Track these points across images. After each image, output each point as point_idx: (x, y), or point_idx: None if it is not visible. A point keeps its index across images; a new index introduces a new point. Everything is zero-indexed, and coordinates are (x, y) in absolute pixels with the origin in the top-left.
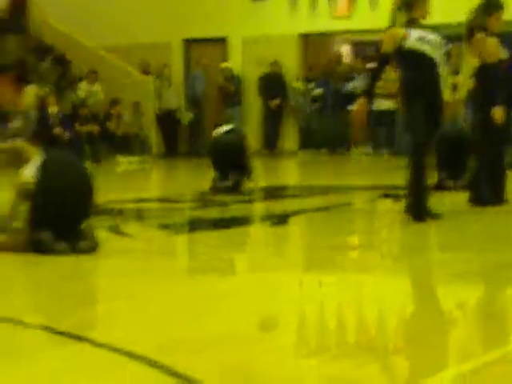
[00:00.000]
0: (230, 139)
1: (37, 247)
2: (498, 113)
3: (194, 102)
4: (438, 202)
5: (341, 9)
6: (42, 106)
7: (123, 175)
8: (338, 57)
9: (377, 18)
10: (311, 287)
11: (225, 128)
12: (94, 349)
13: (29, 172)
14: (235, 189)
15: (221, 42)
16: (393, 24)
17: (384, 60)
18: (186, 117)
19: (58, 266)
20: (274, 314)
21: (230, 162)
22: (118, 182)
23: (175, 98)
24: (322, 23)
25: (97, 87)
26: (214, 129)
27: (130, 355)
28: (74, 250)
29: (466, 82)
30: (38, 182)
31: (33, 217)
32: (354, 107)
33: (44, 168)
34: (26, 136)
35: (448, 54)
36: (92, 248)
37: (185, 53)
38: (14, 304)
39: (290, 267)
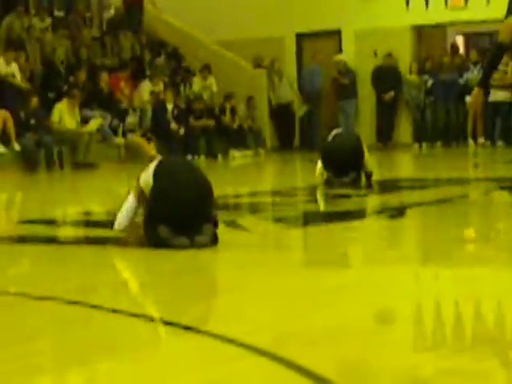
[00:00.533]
0: (343, 143)
1: (156, 242)
2: None
3: (308, 96)
4: None
5: (455, 0)
6: (157, 101)
7: (238, 169)
8: (453, 48)
9: (492, 8)
10: (427, 281)
11: (335, 132)
12: (213, 341)
13: (146, 176)
14: (354, 184)
15: (334, 35)
16: (510, 13)
17: (499, 50)
18: (301, 109)
19: (177, 259)
20: (389, 307)
21: (346, 166)
22: (232, 175)
23: (289, 92)
24: (436, 14)
25: (210, 81)
26: (328, 131)
27: (247, 347)
28: (193, 244)
29: None
30: (152, 188)
31: (149, 219)
32: (469, 99)
33: (159, 174)
34: (141, 131)
35: None
36: (210, 243)
37: (298, 47)
38: (136, 298)
39: (405, 260)
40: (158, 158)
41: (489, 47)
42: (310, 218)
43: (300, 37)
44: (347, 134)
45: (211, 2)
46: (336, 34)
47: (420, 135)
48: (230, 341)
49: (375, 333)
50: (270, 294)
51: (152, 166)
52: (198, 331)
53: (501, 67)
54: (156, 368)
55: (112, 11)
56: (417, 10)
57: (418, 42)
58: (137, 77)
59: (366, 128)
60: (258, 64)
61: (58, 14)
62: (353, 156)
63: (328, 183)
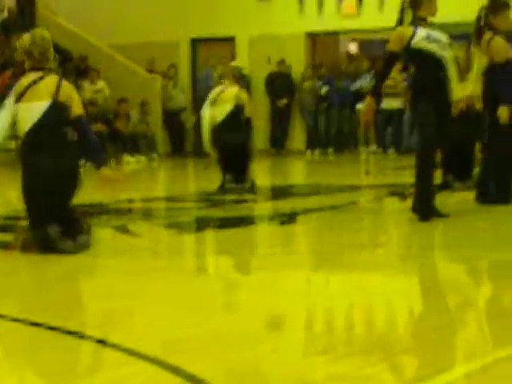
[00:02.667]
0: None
1: (43, 244)
2: (504, 112)
3: (201, 101)
4: (445, 201)
5: (348, 7)
6: None
7: (131, 175)
8: (346, 56)
9: (384, 16)
10: (319, 286)
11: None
12: (98, 347)
13: None
14: (249, 190)
15: (228, 41)
16: (400, 23)
17: (391, 59)
18: (190, 121)
19: (64, 264)
20: (281, 312)
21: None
22: (125, 181)
23: (182, 98)
24: (330, 22)
25: (101, 85)
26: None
27: (133, 353)
28: (76, 246)
29: (477, 80)
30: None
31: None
32: (361, 107)
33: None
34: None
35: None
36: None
37: (192, 52)
38: (20, 303)
39: (298, 266)
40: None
41: (381, 55)
42: (202, 224)
43: (195, 42)
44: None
45: (106, 5)
46: (231, 40)
47: (313, 142)
48: (116, 346)
49: (266, 338)
50: (161, 300)
51: None
52: (81, 336)
53: (392, 75)
54: (36, 373)
55: (5, 13)
56: (310, 18)
57: (312, 49)
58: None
59: (259, 134)
60: (151, 69)
61: None
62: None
63: (221, 189)
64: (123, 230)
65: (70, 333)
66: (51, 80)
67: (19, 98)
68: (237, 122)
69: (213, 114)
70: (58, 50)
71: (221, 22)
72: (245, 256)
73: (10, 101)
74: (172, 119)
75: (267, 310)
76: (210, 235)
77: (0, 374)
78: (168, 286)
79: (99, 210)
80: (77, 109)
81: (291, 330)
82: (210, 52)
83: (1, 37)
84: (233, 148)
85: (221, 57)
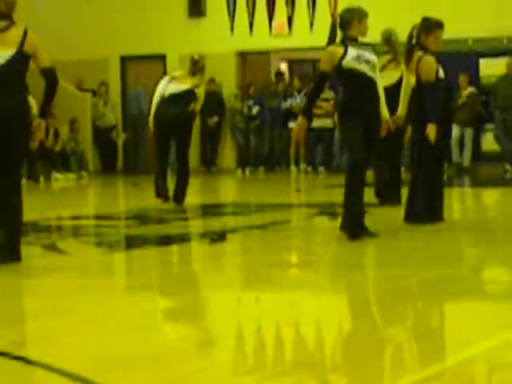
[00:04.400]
0: None
1: None
2: (432, 131)
3: (133, 119)
4: (374, 219)
5: (279, 27)
6: None
7: (60, 192)
8: (277, 75)
9: (315, 36)
10: (249, 305)
11: None
12: (28, 367)
13: None
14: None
15: (159, 58)
16: (331, 43)
17: (322, 79)
18: (121, 138)
19: None
20: (210, 331)
21: None
22: (54, 199)
23: (112, 116)
24: (260, 41)
25: (30, 102)
26: None
27: (64, 374)
28: None
29: (405, 100)
30: None
31: None
32: (293, 126)
33: None
34: None
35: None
36: None
37: (122, 70)
38: None
39: (227, 285)
40: None
41: (312, 74)
42: (132, 242)
43: (124, 59)
44: None
45: (32, 21)
46: (161, 57)
47: (243, 160)
48: (45, 366)
49: (196, 357)
50: (90, 319)
51: None
52: (13, 357)
53: (324, 95)
54: None
55: None
56: (241, 37)
57: (242, 67)
58: None
59: (190, 152)
60: (80, 87)
61: None
62: None
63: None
64: (52, 248)
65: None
66: (17, 29)
67: None
68: (185, 101)
69: (166, 89)
70: None
71: (151, 40)
72: (174, 274)
73: None
74: (102, 137)
75: (196, 328)
76: (139, 253)
77: None
78: (97, 304)
79: (29, 228)
80: (45, 59)
81: (220, 349)
82: (141, 70)
83: None
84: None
85: (151, 74)
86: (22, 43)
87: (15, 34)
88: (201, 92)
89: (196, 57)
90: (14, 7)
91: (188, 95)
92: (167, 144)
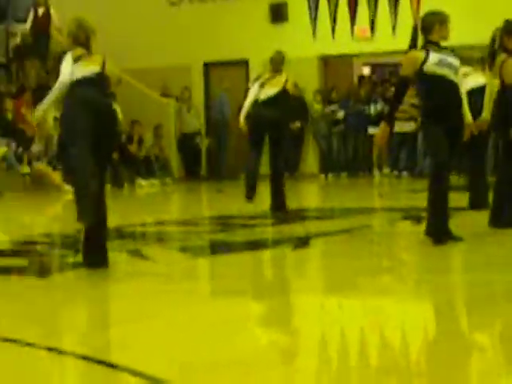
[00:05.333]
0: None
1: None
2: None
3: (216, 125)
4: (459, 223)
5: (361, 31)
6: None
7: (144, 198)
8: (359, 79)
9: (398, 40)
10: (333, 310)
11: None
12: (110, 371)
13: None
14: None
15: (241, 64)
16: (413, 46)
17: (404, 84)
18: (204, 143)
19: (78, 287)
20: (295, 337)
21: None
22: (139, 205)
23: (195, 122)
24: (343, 45)
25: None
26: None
27: (145, 376)
28: None
29: (489, 103)
30: None
31: None
32: (376, 131)
33: None
34: (47, 159)
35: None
36: None
37: (205, 76)
38: (35, 328)
39: (311, 290)
40: None
41: (395, 79)
42: (216, 248)
43: (208, 66)
44: None
45: (119, 30)
46: (243, 63)
47: (326, 166)
48: (128, 370)
49: (280, 362)
50: (174, 324)
51: None
52: (93, 360)
53: (406, 99)
54: None
55: (18, 38)
56: (324, 41)
57: (324, 72)
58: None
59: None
60: (165, 93)
61: None
62: None
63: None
64: (137, 253)
65: (84, 358)
66: (97, 56)
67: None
68: (279, 103)
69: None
70: None
71: (234, 45)
72: (258, 280)
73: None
74: (186, 143)
75: (280, 334)
76: (223, 259)
77: None
78: (182, 309)
79: (113, 235)
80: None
81: (305, 356)
82: (224, 75)
83: (15, 62)
84: (267, 123)
85: (234, 80)
86: (104, 66)
87: (97, 58)
88: (291, 84)
89: (275, 55)
90: (90, 41)
91: (282, 95)
92: (261, 145)
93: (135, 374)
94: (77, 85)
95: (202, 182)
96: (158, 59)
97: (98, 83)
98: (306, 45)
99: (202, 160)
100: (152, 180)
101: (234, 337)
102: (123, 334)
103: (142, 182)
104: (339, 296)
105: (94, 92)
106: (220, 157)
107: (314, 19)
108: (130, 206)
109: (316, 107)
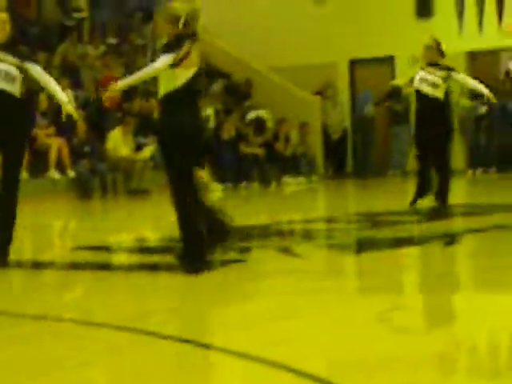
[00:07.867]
0: None
1: None
2: None
3: (361, 121)
4: None
5: (509, 25)
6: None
7: (291, 196)
8: (506, 74)
9: None
10: (482, 308)
11: None
12: (264, 367)
13: None
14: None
15: (386, 61)
16: None
17: None
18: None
19: (228, 286)
20: (447, 336)
21: None
22: (286, 202)
23: (341, 119)
24: (490, 40)
25: (264, 112)
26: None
27: (299, 373)
28: None
29: None
30: None
31: None
32: None
33: None
34: None
35: None
36: None
37: (351, 73)
38: (187, 324)
39: (460, 287)
40: None
41: None
42: (363, 245)
43: (353, 63)
44: None
45: (264, 29)
46: (388, 59)
47: (474, 161)
48: (282, 367)
49: (429, 362)
50: (326, 321)
51: None
52: (248, 357)
53: None
54: None
55: (165, 39)
56: (470, 36)
57: (472, 67)
58: None
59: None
60: (317, 91)
61: (112, 41)
62: None
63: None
64: (286, 250)
65: (237, 354)
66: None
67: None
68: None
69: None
70: (219, 72)
71: (379, 42)
72: (407, 277)
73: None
74: (333, 140)
75: (434, 333)
76: (371, 256)
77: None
78: (331, 306)
79: (261, 232)
80: None
81: (460, 354)
82: (369, 72)
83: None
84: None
85: (379, 77)
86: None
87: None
88: (463, 78)
89: (431, 42)
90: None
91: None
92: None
93: (295, 372)
94: None
95: (347, 179)
96: (304, 57)
97: None
98: (453, 40)
99: (348, 157)
100: (298, 177)
101: (382, 334)
102: (272, 330)
103: (288, 179)
104: (486, 293)
105: None
106: (366, 153)
107: (460, 13)
108: (278, 204)
109: (462, 102)
